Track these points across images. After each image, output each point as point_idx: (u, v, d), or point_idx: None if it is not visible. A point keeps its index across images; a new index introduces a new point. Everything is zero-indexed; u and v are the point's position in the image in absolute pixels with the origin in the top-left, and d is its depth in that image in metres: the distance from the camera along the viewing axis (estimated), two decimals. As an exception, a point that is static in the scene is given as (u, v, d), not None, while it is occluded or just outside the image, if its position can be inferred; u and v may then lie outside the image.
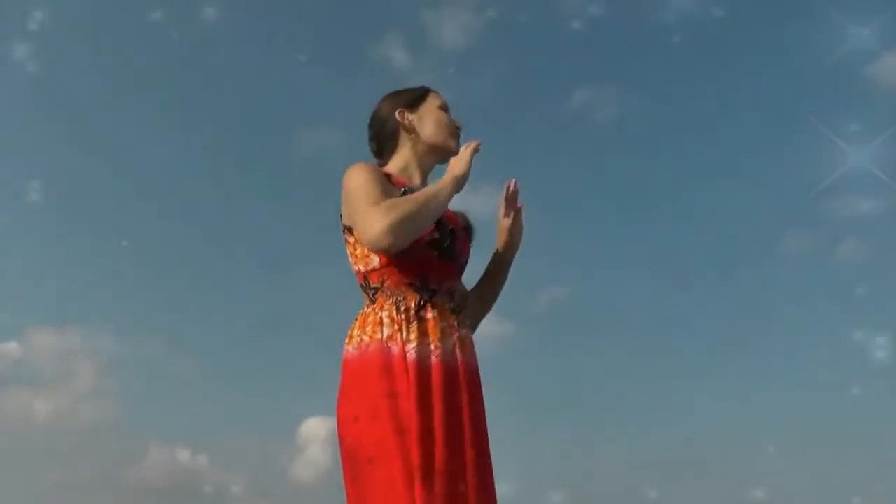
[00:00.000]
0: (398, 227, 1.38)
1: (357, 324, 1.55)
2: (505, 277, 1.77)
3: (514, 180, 1.73)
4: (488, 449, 1.52)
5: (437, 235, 1.55)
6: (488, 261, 1.78)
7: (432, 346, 1.48)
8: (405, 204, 1.41)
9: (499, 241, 1.75)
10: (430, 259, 1.54)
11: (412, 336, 1.48)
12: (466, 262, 1.66)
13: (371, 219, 1.40)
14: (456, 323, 1.55)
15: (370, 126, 1.74)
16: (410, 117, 1.69)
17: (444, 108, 1.71)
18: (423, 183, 1.67)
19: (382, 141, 1.72)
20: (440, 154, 1.70)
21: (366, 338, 1.50)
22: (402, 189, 1.59)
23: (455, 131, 1.70)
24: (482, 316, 1.76)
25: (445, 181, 1.52)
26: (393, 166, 1.68)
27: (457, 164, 1.56)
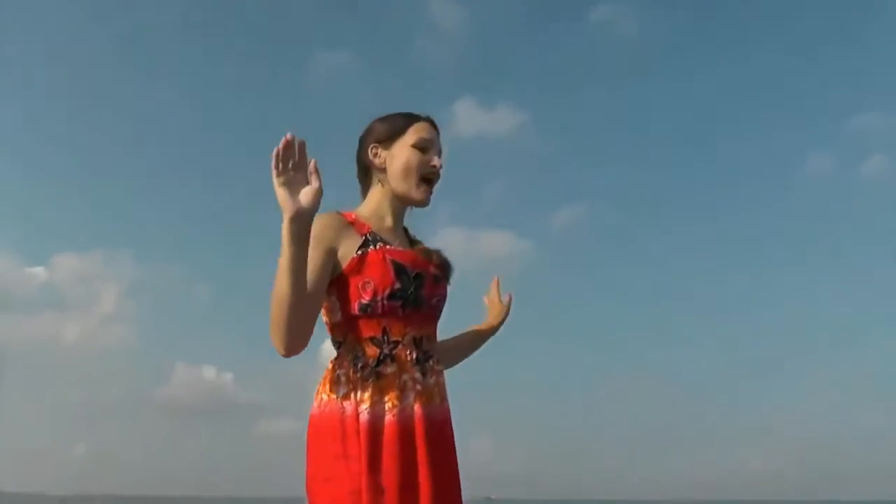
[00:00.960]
0: (279, 338, 1.39)
1: (322, 380, 1.53)
2: (481, 345, 1.83)
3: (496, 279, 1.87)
4: (457, 498, 1.50)
5: (398, 285, 1.48)
6: (477, 329, 1.84)
7: (388, 405, 1.45)
8: (271, 309, 1.39)
9: (490, 316, 1.84)
10: (393, 310, 1.48)
11: (366, 395, 1.45)
12: (440, 304, 1.58)
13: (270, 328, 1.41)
14: (420, 374, 1.50)
15: (357, 150, 1.66)
16: (383, 155, 1.59)
17: (422, 145, 1.57)
18: (397, 224, 1.60)
19: (360, 172, 1.65)
20: (404, 203, 1.60)
21: (325, 396, 1.50)
22: (365, 236, 1.52)
23: (427, 175, 1.57)
24: (453, 365, 1.74)
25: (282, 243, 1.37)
26: (365, 207, 1.61)
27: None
